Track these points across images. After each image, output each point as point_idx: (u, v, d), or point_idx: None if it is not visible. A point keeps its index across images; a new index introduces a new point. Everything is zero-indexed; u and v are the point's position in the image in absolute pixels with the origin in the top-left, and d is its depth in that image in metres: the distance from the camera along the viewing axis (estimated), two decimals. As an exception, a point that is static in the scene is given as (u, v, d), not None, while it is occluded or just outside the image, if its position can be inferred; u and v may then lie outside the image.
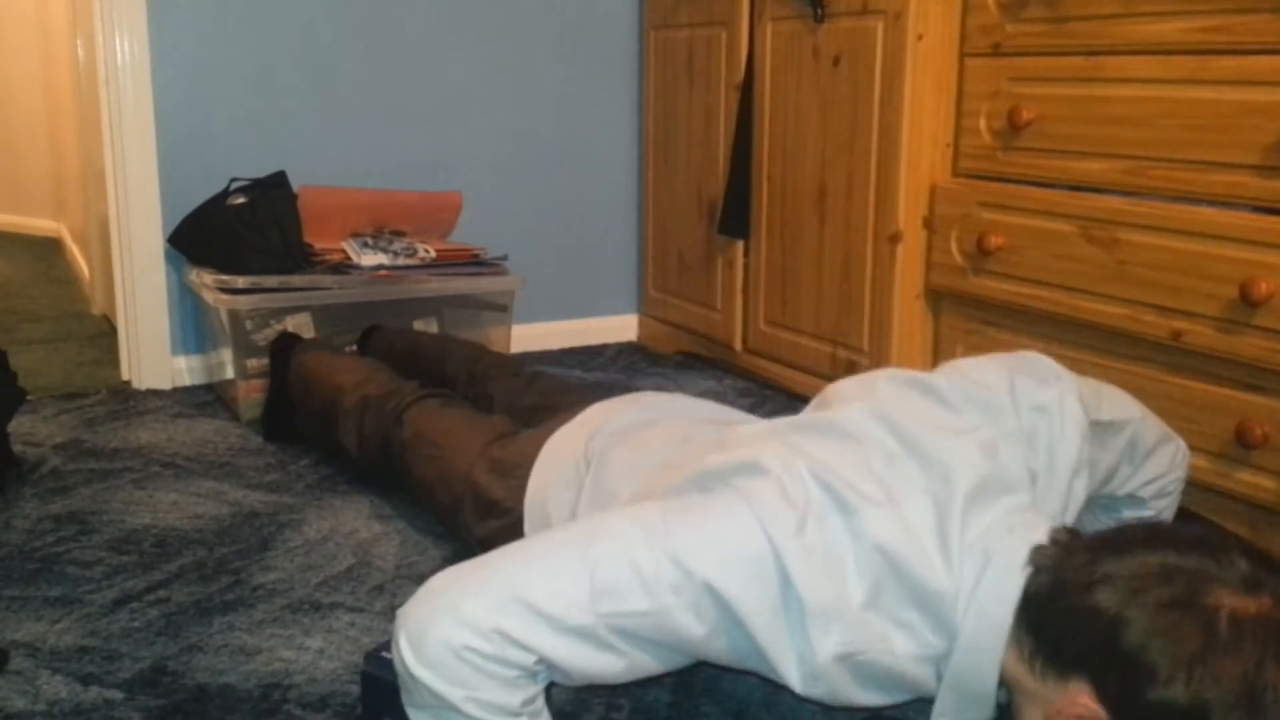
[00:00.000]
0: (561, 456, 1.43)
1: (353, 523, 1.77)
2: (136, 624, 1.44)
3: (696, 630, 1.01)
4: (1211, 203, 1.69)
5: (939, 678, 1.03)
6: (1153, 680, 0.88)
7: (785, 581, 0.98)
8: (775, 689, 1.31)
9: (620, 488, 1.28)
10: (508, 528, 1.43)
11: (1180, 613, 0.88)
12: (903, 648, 1.00)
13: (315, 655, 1.37)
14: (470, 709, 0.97)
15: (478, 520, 1.49)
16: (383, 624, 1.45)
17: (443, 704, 0.98)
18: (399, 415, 1.73)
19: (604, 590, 0.98)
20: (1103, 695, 0.92)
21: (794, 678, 1.02)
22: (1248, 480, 1.66)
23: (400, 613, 1.01)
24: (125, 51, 2.37)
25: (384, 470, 1.79)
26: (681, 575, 0.98)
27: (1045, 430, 1.14)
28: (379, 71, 2.63)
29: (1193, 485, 1.68)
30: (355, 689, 1.29)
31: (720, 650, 1.03)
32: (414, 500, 1.77)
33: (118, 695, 1.28)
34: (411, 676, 0.98)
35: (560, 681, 1.04)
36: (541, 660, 0.99)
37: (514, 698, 0.99)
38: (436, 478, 1.61)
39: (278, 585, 1.55)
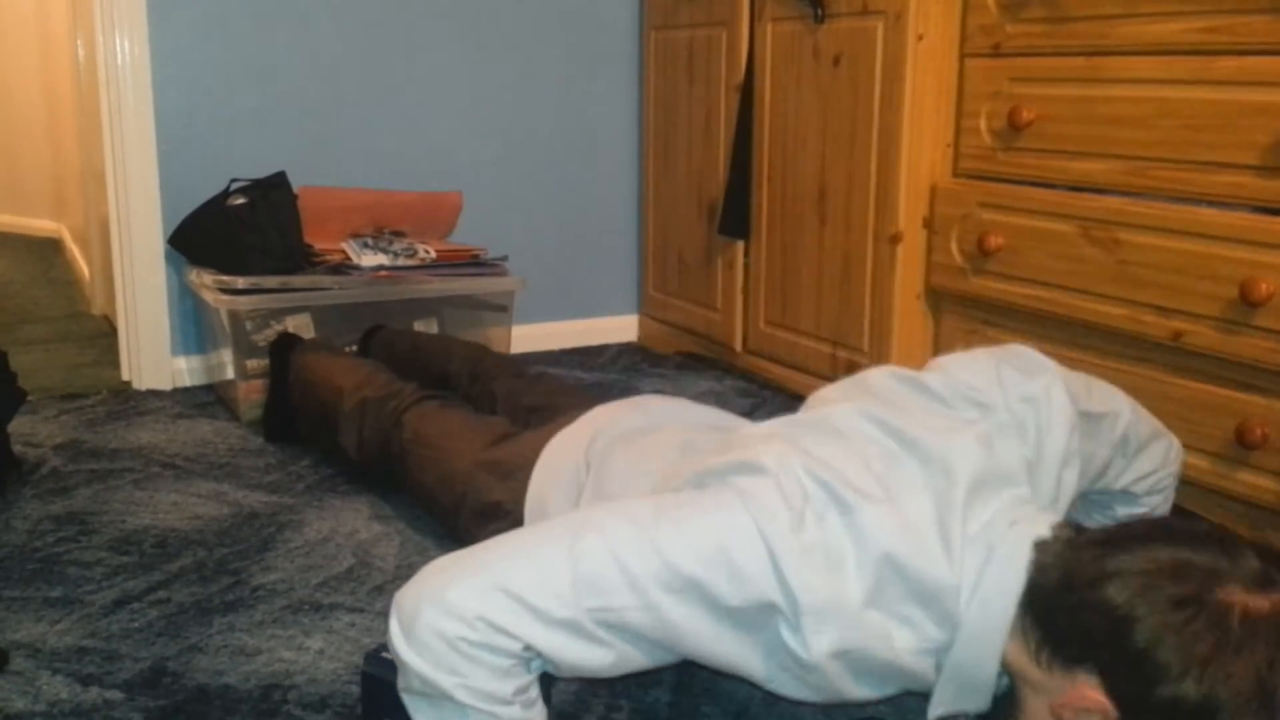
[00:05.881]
0: (562, 459, 1.43)
1: (353, 523, 1.77)
2: (137, 624, 1.44)
3: (684, 626, 1.00)
4: (1212, 203, 1.69)
5: (938, 669, 1.03)
6: (1164, 678, 0.88)
7: (780, 580, 0.98)
8: (775, 689, 1.31)
9: (620, 493, 1.27)
10: (508, 530, 1.43)
11: (1192, 610, 0.88)
12: (903, 643, 1.00)
13: (315, 656, 1.37)
14: (461, 696, 0.98)
15: (478, 524, 1.49)
16: (383, 624, 1.45)
17: (435, 690, 0.99)
18: (398, 417, 1.73)
19: (588, 585, 0.98)
20: (1112, 690, 0.92)
21: (785, 677, 1.02)
22: (1248, 481, 1.66)
23: (394, 600, 1.02)
24: (125, 52, 2.37)
25: (384, 472, 1.79)
26: (669, 572, 0.98)
27: (1033, 420, 1.14)
28: (379, 72, 2.63)
29: (1193, 485, 1.68)
30: (355, 689, 1.29)
31: (708, 647, 1.02)
32: (414, 503, 1.77)
33: (118, 696, 1.28)
34: (404, 663, 0.99)
35: (549, 671, 1.04)
36: (529, 648, 0.99)
37: (505, 685, 0.99)
38: (436, 479, 1.61)
39: (278, 586, 1.55)
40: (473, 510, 1.51)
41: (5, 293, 3.55)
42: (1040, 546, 1.00)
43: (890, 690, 1.07)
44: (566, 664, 1.01)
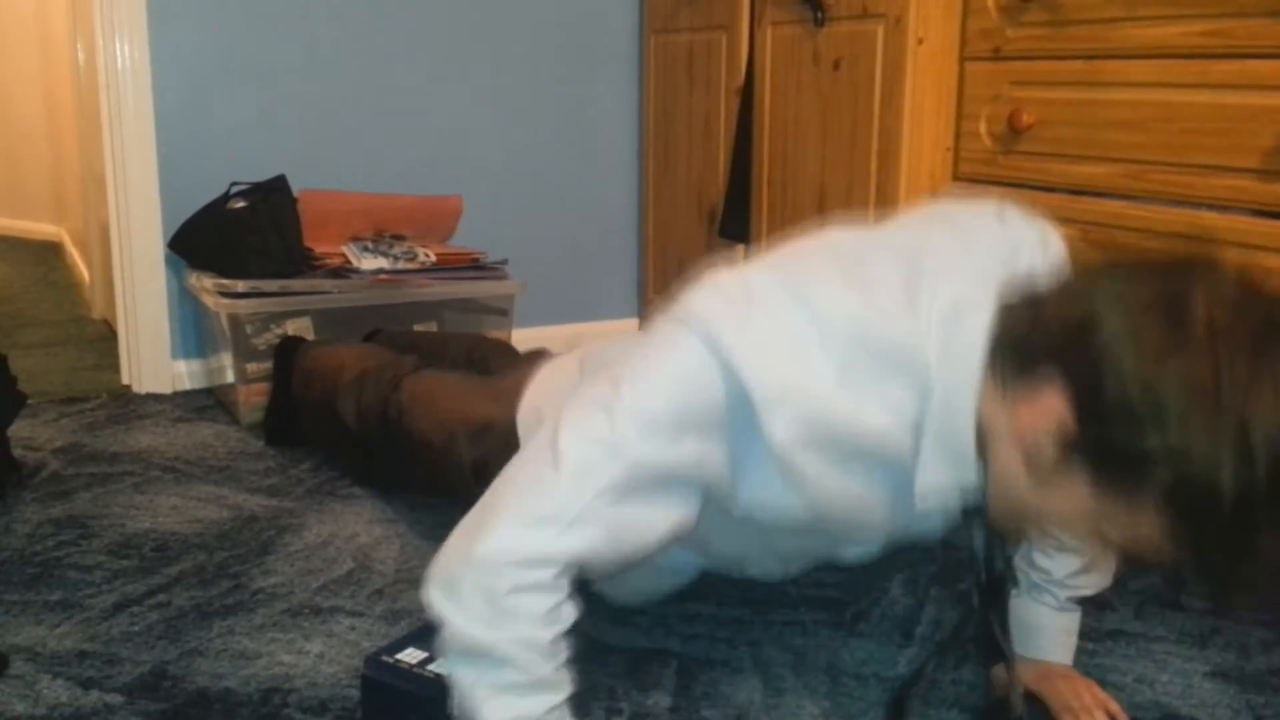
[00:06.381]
0: (555, 375, 1.47)
1: (353, 527, 1.77)
2: (136, 628, 1.44)
3: (682, 461, 1.02)
4: (1212, 206, 1.69)
5: (916, 450, 1.02)
6: (1115, 367, 0.87)
7: (731, 381, 0.99)
8: (776, 692, 1.31)
9: None
10: (500, 442, 1.44)
11: (1158, 309, 0.88)
12: (875, 419, 1.00)
13: (315, 659, 1.37)
14: (504, 649, 1.00)
15: (471, 446, 1.51)
16: (383, 628, 1.45)
17: (479, 648, 1.01)
18: (398, 383, 1.74)
19: (583, 473, 1.01)
20: (1069, 386, 0.91)
21: (775, 485, 1.04)
22: (1248, 484, 1.65)
23: (428, 576, 1.05)
24: (125, 55, 2.37)
25: (382, 439, 1.77)
26: (648, 425, 1.01)
27: (1027, 242, 1.13)
28: (379, 76, 2.63)
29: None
30: (355, 693, 1.29)
31: (707, 473, 1.04)
32: (412, 474, 1.76)
33: (118, 699, 1.28)
34: (450, 627, 1.02)
35: (599, 570, 1.06)
36: (565, 568, 1.01)
37: (546, 633, 1.01)
38: (431, 424, 1.62)
39: (278, 589, 1.55)
40: (466, 437, 1.53)
41: (5, 296, 3.55)
42: (1007, 295, 0.99)
43: (877, 505, 1.06)
44: (608, 557, 1.03)
